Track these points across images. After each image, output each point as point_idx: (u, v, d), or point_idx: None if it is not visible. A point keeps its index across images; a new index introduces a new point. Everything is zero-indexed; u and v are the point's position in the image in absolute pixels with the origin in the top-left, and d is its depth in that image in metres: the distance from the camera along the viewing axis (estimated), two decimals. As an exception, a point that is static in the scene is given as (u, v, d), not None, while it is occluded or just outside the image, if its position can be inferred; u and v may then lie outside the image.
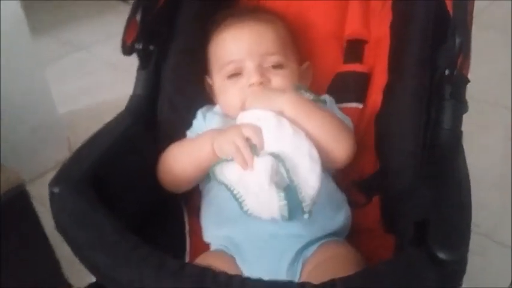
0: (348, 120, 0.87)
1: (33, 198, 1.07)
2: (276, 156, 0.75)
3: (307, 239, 0.76)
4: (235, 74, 0.87)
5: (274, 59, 0.87)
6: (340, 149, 0.80)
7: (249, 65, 0.85)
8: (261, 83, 0.84)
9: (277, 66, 0.87)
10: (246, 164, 0.75)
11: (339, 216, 0.80)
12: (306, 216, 0.74)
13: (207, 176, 0.82)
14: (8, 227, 0.98)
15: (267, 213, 0.74)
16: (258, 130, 0.78)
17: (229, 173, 0.77)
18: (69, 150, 1.61)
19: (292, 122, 0.79)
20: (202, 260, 0.77)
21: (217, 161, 0.78)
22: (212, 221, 0.82)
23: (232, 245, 0.78)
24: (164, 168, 0.84)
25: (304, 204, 0.73)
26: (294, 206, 0.73)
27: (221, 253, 0.79)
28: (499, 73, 1.87)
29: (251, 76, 0.84)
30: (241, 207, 0.75)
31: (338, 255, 0.74)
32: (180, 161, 0.82)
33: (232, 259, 0.77)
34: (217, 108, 0.91)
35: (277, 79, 0.86)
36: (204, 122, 0.89)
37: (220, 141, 0.77)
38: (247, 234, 0.77)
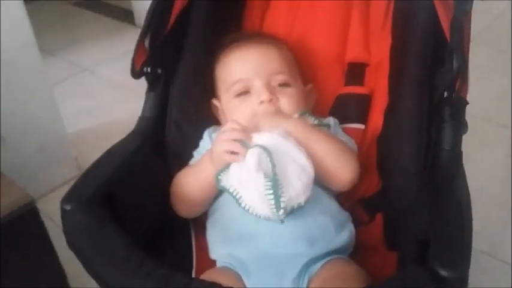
0: (352, 143, 0.89)
1: (42, 214, 1.09)
2: (265, 149, 0.76)
3: (309, 257, 0.77)
4: (243, 93, 0.88)
5: (281, 78, 0.88)
6: (345, 172, 0.82)
7: (258, 83, 0.87)
8: (270, 100, 0.85)
9: (284, 85, 0.89)
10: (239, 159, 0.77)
11: (343, 235, 0.81)
12: (280, 212, 0.73)
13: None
14: (18, 243, 1.00)
15: (261, 206, 0.74)
16: (236, 125, 0.80)
17: (231, 176, 0.78)
18: (78, 169, 1.64)
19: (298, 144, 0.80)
20: (208, 276, 0.78)
21: (219, 170, 0.79)
22: (217, 239, 0.84)
23: (237, 262, 0.79)
24: (178, 199, 0.86)
25: (281, 200, 0.73)
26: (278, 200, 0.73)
27: (227, 270, 0.80)
28: (497, 91, 1.89)
29: (261, 94, 0.86)
30: (240, 205, 0.76)
31: (344, 273, 0.75)
32: (191, 190, 0.84)
33: (237, 276, 0.78)
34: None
35: (285, 98, 0.87)
36: (210, 142, 0.90)
37: (214, 156, 0.80)
38: (250, 253, 0.78)
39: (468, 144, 0.82)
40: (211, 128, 0.93)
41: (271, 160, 0.75)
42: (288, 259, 0.77)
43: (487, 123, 1.74)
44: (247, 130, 0.80)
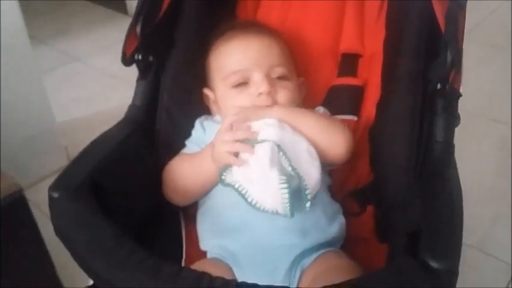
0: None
1: (30, 204, 1.08)
2: (277, 145, 0.76)
3: (301, 248, 0.77)
4: (241, 84, 0.87)
5: (280, 71, 0.88)
6: (339, 142, 0.82)
7: (257, 75, 0.86)
8: (269, 93, 0.85)
9: (282, 78, 0.88)
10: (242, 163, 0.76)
11: (334, 226, 0.81)
12: (308, 204, 0.74)
13: None
14: (6, 232, 0.99)
15: (270, 200, 0.74)
16: (235, 120, 0.80)
17: (236, 172, 0.77)
18: (67, 159, 1.63)
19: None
20: (198, 267, 0.76)
21: (222, 169, 0.79)
22: (208, 230, 0.83)
23: (228, 254, 0.79)
24: (171, 187, 0.85)
25: (307, 192, 0.74)
26: (295, 194, 0.74)
27: (217, 261, 0.79)
28: (489, 86, 1.90)
29: (260, 85, 0.85)
30: (246, 200, 0.75)
31: (337, 266, 0.75)
32: (187, 181, 0.84)
33: (228, 267, 0.78)
34: (217, 118, 0.92)
35: (282, 90, 0.87)
36: (203, 132, 0.90)
37: (216, 157, 0.79)
38: (242, 245, 0.78)
39: (459, 138, 0.82)
40: (203, 117, 0.93)
41: (285, 153, 0.75)
42: (280, 251, 0.77)
43: (478, 118, 1.75)
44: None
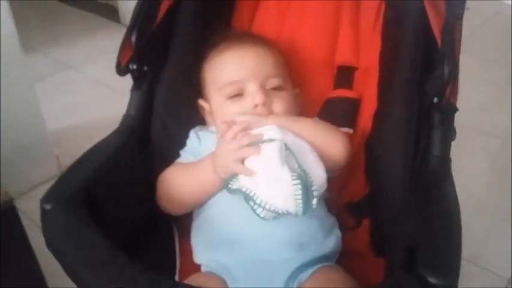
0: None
1: (20, 213, 1.06)
2: (284, 144, 0.76)
3: (298, 263, 0.76)
4: (237, 95, 0.87)
5: (275, 81, 0.88)
6: (336, 145, 0.82)
7: (253, 86, 0.86)
8: (264, 104, 0.85)
9: (277, 88, 0.88)
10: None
11: (330, 240, 0.81)
12: (314, 201, 0.73)
13: None
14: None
15: (281, 200, 0.73)
16: (237, 123, 0.80)
17: (242, 179, 0.76)
18: (58, 168, 1.61)
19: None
20: (192, 281, 0.76)
21: (229, 178, 0.78)
22: (203, 244, 0.82)
23: (223, 268, 0.78)
24: (166, 197, 0.84)
25: (313, 189, 0.74)
26: (306, 191, 0.73)
27: (211, 275, 0.78)
28: (481, 100, 1.91)
29: (256, 96, 0.85)
30: (254, 202, 0.74)
31: (335, 280, 0.74)
32: (186, 192, 0.83)
33: (222, 281, 0.77)
34: (212, 128, 0.92)
35: (278, 101, 0.87)
36: (198, 142, 0.89)
37: (222, 167, 0.78)
38: (237, 258, 0.77)
39: (452, 152, 0.82)
40: (198, 127, 0.92)
41: (291, 152, 0.75)
42: (276, 265, 0.76)
43: (470, 131, 1.76)
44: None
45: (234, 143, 0.78)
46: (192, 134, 0.91)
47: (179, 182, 0.84)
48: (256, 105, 0.85)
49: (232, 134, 0.79)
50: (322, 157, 0.80)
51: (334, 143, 0.82)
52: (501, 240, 1.43)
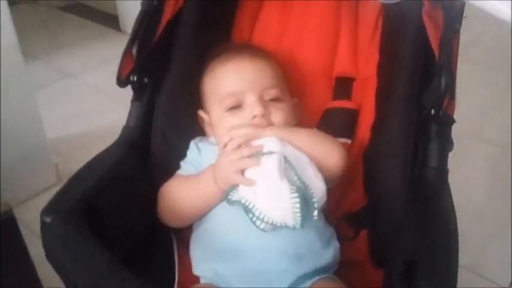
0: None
1: (19, 222, 1.07)
2: (284, 156, 0.76)
3: (296, 274, 0.76)
4: (236, 106, 0.87)
5: (273, 93, 0.88)
6: (333, 155, 0.83)
7: (251, 98, 0.86)
8: (263, 115, 0.85)
9: (276, 100, 0.88)
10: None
11: (328, 251, 0.81)
12: (315, 213, 0.74)
13: None
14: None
15: (280, 212, 0.74)
16: (239, 136, 0.80)
17: (242, 190, 0.77)
18: (57, 177, 1.61)
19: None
20: None
21: (229, 190, 0.78)
22: (201, 255, 0.82)
23: (222, 279, 0.78)
24: (167, 210, 0.85)
25: (314, 200, 0.74)
26: (305, 205, 0.73)
27: (210, 286, 0.79)
28: (478, 108, 1.91)
29: (254, 108, 0.85)
30: (254, 214, 0.74)
31: None
32: (187, 205, 0.83)
33: None
34: (212, 139, 0.92)
35: (276, 112, 0.87)
36: (199, 153, 0.89)
37: (223, 178, 0.79)
38: (236, 270, 0.77)
39: (450, 159, 0.83)
40: (197, 139, 0.93)
41: (291, 164, 0.76)
42: (274, 276, 0.76)
43: (469, 139, 1.76)
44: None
45: (235, 153, 0.79)
46: (192, 145, 0.91)
47: (180, 194, 0.84)
48: (254, 116, 0.85)
49: (234, 146, 0.80)
50: (320, 168, 0.80)
51: (332, 153, 0.83)
52: (500, 248, 1.43)
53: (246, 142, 0.81)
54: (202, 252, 0.82)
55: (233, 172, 0.77)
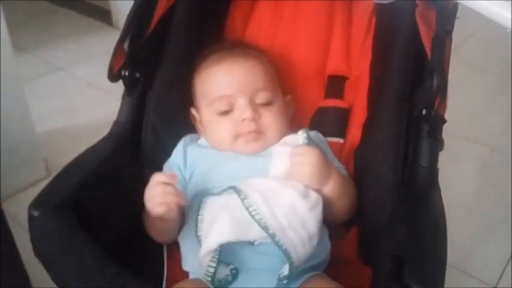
0: (343, 170, 0.88)
1: (7, 215, 1.06)
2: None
3: (285, 272, 0.75)
4: (226, 110, 0.87)
5: (264, 95, 0.88)
6: (348, 211, 0.84)
7: (241, 101, 0.86)
8: (253, 119, 0.85)
9: (267, 102, 0.88)
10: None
11: (320, 249, 0.80)
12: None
13: (187, 205, 0.83)
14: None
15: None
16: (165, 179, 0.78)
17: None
18: (46, 170, 1.60)
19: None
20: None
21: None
22: (191, 251, 0.81)
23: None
24: (150, 230, 0.84)
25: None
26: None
27: (199, 282, 0.78)
28: (468, 108, 1.92)
29: (244, 111, 0.85)
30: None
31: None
32: (158, 227, 0.83)
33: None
34: (202, 140, 0.92)
35: (267, 115, 0.87)
36: (183, 154, 0.89)
37: (148, 208, 0.78)
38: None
39: (440, 159, 0.83)
40: (188, 137, 0.92)
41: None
42: (263, 273, 0.75)
43: (458, 139, 1.77)
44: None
45: (159, 188, 0.77)
46: (180, 144, 0.91)
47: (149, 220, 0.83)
48: (244, 120, 0.85)
49: (159, 181, 0.78)
50: (332, 216, 0.82)
51: (349, 209, 0.84)
52: (488, 247, 1.44)
53: (171, 180, 0.78)
54: (191, 248, 0.82)
55: (155, 205, 0.76)
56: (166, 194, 0.76)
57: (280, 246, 0.71)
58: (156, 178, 0.78)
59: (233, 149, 0.87)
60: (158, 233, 0.84)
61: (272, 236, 0.71)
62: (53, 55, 2.30)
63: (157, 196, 0.76)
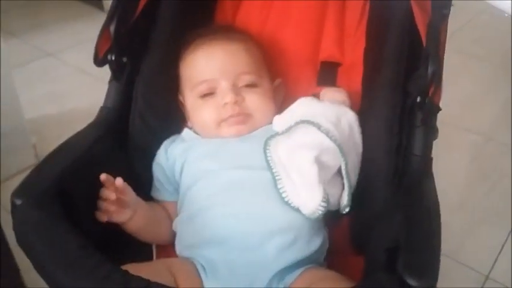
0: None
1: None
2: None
3: (283, 264, 0.75)
4: (209, 94, 0.87)
5: (248, 78, 0.87)
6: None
7: (223, 85, 0.85)
8: (235, 102, 0.85)
9: (251, 85, 0.87)
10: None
11: (316, 240, 0.79)
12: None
13: (181, 194, 0.84)
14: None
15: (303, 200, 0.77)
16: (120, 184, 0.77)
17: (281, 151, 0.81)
18: (35, 157, 1.59)
19: None
20: (163, 263, 0.77)
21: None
22: (187, 239, 0.81)
23: (208, 263, 0.77)
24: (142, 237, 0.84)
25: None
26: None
27: (187, 262, 0.78)
28: (462, 96, 1.92)
29: (225, 95, 0.85)
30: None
31: (327, 277, 0.74)
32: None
33: (193, 268, 0.77)
34: (185, 132, 0.91)
35: (252, 97, 0.86)
36: (165, 156, 0.88)
37: None
38: (222, 256, 0.76)
39: (433, 148, 0.82)
40: (170, 139, 0.90)
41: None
42: (260, 265, 0.75)
43: (451, 127, 1.76)
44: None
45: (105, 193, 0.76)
46: (162, 147, 0.89)
47: None
48: (226, 104, 0.85)
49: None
50: None
51: None
52: (480, 236, 1.45)
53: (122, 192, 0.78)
54: (187, 236, 0.81)
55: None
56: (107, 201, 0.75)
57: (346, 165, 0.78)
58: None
59: (218, 133, 0.87)
60: (159, 236, 0.86)
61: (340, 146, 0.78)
62: (42, 40, 2.27)
63: (100, 203, 0.76)
